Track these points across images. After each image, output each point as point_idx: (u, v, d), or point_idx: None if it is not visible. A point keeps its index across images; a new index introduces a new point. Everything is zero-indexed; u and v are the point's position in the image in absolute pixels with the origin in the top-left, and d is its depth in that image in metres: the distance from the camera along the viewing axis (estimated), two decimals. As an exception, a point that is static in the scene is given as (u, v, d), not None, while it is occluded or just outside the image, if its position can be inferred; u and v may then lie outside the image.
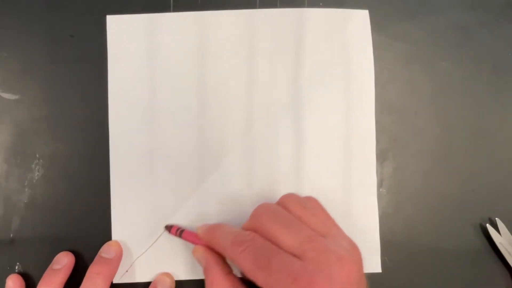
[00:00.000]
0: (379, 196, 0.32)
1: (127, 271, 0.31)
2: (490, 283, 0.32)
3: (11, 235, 0.31)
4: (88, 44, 0.32)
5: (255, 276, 0.23)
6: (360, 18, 0.32)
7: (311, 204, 0.28)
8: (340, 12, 0.32)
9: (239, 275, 0.27)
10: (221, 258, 0.27)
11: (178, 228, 0.30)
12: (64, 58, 0.32)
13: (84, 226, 0.31)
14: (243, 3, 0.32)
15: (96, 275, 0.28)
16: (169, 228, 0.30)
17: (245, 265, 0.24)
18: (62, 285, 0.29)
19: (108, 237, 0.31)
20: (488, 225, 0.32)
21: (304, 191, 0.31)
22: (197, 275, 0.31)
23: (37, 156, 0.31)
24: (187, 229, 0.30)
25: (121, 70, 0.32)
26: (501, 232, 0.32)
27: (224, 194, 0.31)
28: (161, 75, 0.32)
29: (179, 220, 0.31)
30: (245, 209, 0.31)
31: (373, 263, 0.31)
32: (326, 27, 0.32)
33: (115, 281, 0.31)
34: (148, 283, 0.30)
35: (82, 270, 0.29)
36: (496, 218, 0.32)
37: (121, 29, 0.32)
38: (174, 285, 0.31)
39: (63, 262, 0.30)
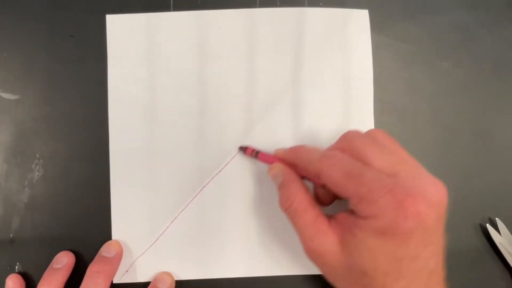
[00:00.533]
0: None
1: (127, 271, 0.31)
2: (490, 283, 0.32)
3: (11, 235, 0.31)
4: (88, 44, 0.32)
5: (344, 186, 0.23)
6: (360, 18, 0.32)
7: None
8: (340, 11, 0.32)
9: None
10: (295, 175, 0.27)
11: (254, 150, 0.30)
12: (64, 58, 0.32)
13: (84, 226, 0.31)
14: (243, 2, 0.32)
15: (97, 273, 0.28)
16: (244, 149, 0.31)
17: (334, 176, 0.24)
18: (63, 284, 0.29)
19: (108, 237, 0.31)
20: (488, 225, 0.32)
21: (304, 191, 0.31)
22: (197, 275, 0.31)
23: (37, 156, 0.31)
24: (262, 150, 0.30)
25: (121, 70, 0.32)
26: (501, 232, 0.32)
27: (224, 194, 0.31)
28: (161, 74, 0.32)
29: (179, 220, 0.31)
30: (245, 209, 0.31)
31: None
32: (326, 27, 0.32)
33: (115, 281, 0.31)
34: (148, 283, 0.30)
35: (82, 270, 0.29)
36: (496, 218, 0.32)
37: (121, 28, 0.32)
38: (174, 284, 0.31)
39: (63, 261, 0.30)
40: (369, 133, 0.27)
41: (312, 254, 0.25)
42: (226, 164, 0.31)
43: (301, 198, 0.26)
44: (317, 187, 0.28)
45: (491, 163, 0.33)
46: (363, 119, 0.32)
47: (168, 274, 0.31)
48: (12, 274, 0.30)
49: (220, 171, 0.31)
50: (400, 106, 0.33)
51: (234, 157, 0.31)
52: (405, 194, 0.22)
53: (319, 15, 0.32)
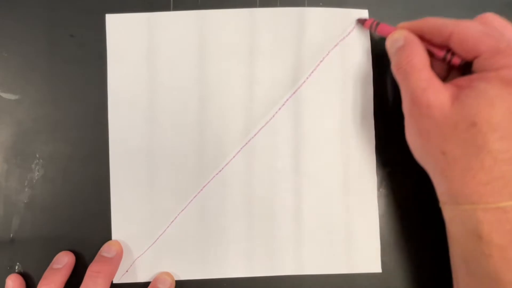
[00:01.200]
0: (379, 196, 0.32)
1: (127, 271, 0.31)
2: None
3: (11, 235, 0.31)
4: (88, 44, 0.32)
5: (480, 41, 0.24)
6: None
7: None
8: (340, 11, 0.32)
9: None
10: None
11: (374, 21, 0.30)
12: (64, 58, 0.32)
13: (84, 226, 0.31)
14: (243, 2, 0.32)
15: (97, 273, 0.28)
16: (362, 21, 0.31)
17: (471, 31, 0.24)
18: (63, 284, 0.29)
19: (108, 237, 0.31)
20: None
21: (304, 191, 0.31)
22: (197, 275, 0.31)
23: (37, 156, 0.31)
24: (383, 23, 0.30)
25: (121, 70, 0.32)
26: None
27: (224, 194, 0.31)
28: (161, 74, 0.32)
29: (179, 220, 0.31)
30: (245, 209, 0.31)
31: (373, 263, 0.31)
32: (325, 27, 0.32)
33: (115, 281, 0.31)
34: (148, 283, 0.30)
35: (82, 270, 0.29)
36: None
37: (121, 28, 0.32)
38: (174, 284, 0.31)
39: (64, 261, 0.30)
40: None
41: (419, 106, 0.25)
42: (226, 164, 0.31)
43: (421, 58, 0.26)
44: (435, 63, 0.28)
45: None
46: (363, 119, 0.32)
47: (168, 274, 0.31)
48: (12, 274, 0.30)
49: (220, 171, 0.31)
50: (399, 105, 0.33)
51: (234, 157, 0.31)
52: None
53: (319, 15, 0.32)
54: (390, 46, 0.28)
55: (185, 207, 0.31)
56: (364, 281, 0.31)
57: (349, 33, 0.32)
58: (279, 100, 0.32)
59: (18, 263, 0.31)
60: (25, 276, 0.31)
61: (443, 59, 0.27)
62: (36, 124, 0.32)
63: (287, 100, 0.32)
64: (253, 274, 0.31)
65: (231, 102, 0.32)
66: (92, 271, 0.29)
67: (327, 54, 0.32)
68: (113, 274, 0.30)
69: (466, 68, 0.27)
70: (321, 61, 0.32)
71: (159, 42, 0.32)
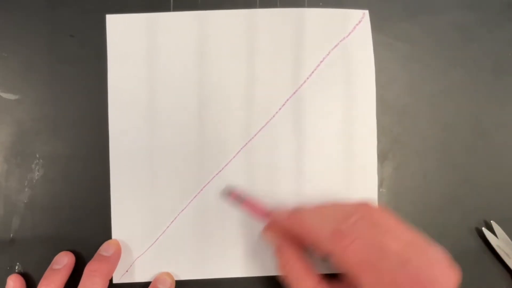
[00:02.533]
0: (379, 196, 0.32)
1: (127, 271, 0.31)
2: (490, 284, 0.32)
3: (11, 235, 0.31)
4: (88, 44, 0.32)
5: (358, 275, 0.23)
6: (360, 18, 0.32)
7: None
8: (340, 12, 0.32)
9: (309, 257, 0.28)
10: (293, 240, 0.27)
11: (239, 195, 0.30)
12: (64, 58, 0.32)
13: (84, 226, 0.31)
14: (243, 3, 0.32)
15: (94, 272, 0.28)
16: (228, 192, 0.30)
17: (348, 262, 0.23)
18: (63, 285, 0.29)
19: (108, 237, 0.31)
20: (484, 229, 0.32)
21: (305, 191, 0.31)
22: (197, 275, 0.31)
23: (37, 156, 0.31)
24: (248, 197, 0.29)
25: (121, 70, 0.32)
26: (497, 234, 0.32)
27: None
28: (161, 74, 0.32)
29: (179, 220, 0.31)
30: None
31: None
32: (326, 27, 0.32)
33: (115, 281, 0.31)
34: (148, 283, 0.30)
35: (82, 270, 0.29)
36: (491, 221, 0.32)
37: (121, 28, 0.32)
38: (174, 284, 0.31)
39: (63, 262, 0.30)
40: (372, 214, 0.26)
41: None
42: (226, 164, 0.31)
43: (299, 266, 0.26)
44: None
45: (491, 163, 0.33)
46: (366, 120, 0.32)
47: (168, 274, 0.31)
48: (13, 275, 0.30)
49: (220, 171, 0.31)
50: (400, 106, 0.33)
51: (234, 157, 0.31)
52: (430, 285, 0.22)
53: (319, 15, 0.32)
54: (267, 241, 0.29)
55: (185, 207, 0.31)
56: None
57: (350, 33, 0.32)
58: (280, 100, 0.32)
59: (18, 263, 0.31)
60: (25, 276, 0.31)
61: (308, 249, 0.28)
62: (36, 124, 0.32)
63: (288, 100, 0.32)
64: (253, 274, 0.31)
65: (231, 102, 0.32)
66: (89, 270, 0.29)
67: (328, 54, 0.32)
68: (111, 273, 0.30)
69: None
70: (321, 61, 0.32)
71: (159, 42, 0.32)
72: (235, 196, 0.30)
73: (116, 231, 0.31)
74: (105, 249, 0.30)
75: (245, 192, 0.30)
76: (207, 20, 0.32)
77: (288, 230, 0.28)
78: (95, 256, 0.30)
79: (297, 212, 0.28)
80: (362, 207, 0.26)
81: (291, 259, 0.26)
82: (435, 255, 0.24)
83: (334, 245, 0.24)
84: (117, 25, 0.32)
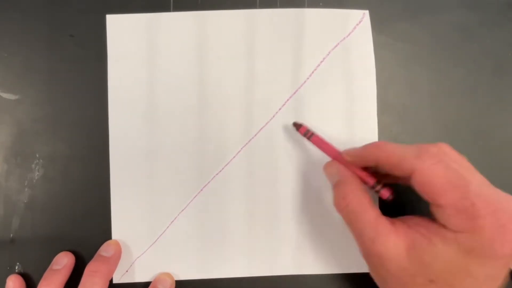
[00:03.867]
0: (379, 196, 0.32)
1: (127, 271, 0.31)
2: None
3: (11, 235, 0.31)
4: (88, 44, 0.32)
5: (443, 194, 0.22)
6: (361, 18, 0.32)
7: None
8: (341, 12, 0.32)
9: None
10: (356, 175, 0.26)
11: (308, 131, 0.29)
12: (64, 58, 0.32)
13: (84, 226, 0.31)
14: (243, 3, 0.32)
15: (94, 273, 0.28)
16: (298, 126, 0.30)
17: (435, 179, 0.22)
18: (62, 285, 0.29)
19: (108, 237, 0.31)
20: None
21: (305, 191, 0.31)
22: (197, 275, 0.31)
23: (37, 156, 0.31)
24: (317, 134, 0.29)
25: (121, 70, 0.32)
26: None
27: (224, 194, 0.31)
28: (161, 75, 0.32)
29: (179, 220, 0.31)
30: (245, 209, 0.31)
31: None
32: (326, 27, 0.32)
33: (115, 281, 0.31)
34: (148, 283, 0.30)
35: (82, 270, 0.29)
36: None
37: (121, 28, 0.32)
38: (174, 285, 0.31)
39: (63, 262, 0.30)
40: (451, 151, 0.25)
41: (373, 259, 0.24)
42: (226, 164, 0.31)
43: (359, 198, 0.25)
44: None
45: (491, 163, 0.33)
46: (366, 120, 0.32)
47: (168, 274, 0.31)
48: (12, 275, 0.30)
49: (220, 171, 0.31)
50: (400, 106, 0.33)
51: (234, 157, 0.31)
52: (508, 218, 0.21)
53: (318, 15, 0.32)
54: (327, 177, 0.28)
55: (185, 207, 0.31)
56: (364, 281, 0.31)
57: (350, 33, 0.32)
58: (280, 100, 0.32)
59: (18, 263, 0.31)
60: (25, 276, 0.31)
61: (372, 188, 0.27)
62: (36, 124, 0.32)
63: (288, 100, 0.32)
64: (253, 274, 0.31)
65: (231, 102, 0.32)
66: (89, 270, 0.29)
67: (328, 54, 0.32)
68: (111, 273, 0.30)
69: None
70: (321, 61, 0.32)
71: (159, 42, 0.32)
72: (304, 130, 0.29)
73: (116, 231, 0.31)
74: (105, 249, 0.30)
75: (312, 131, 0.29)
76: (207, 20, 0.32)
77: (363, 158, 0.26)
78: (95, 256, 0.30)
79: (375, 142, 0.27)
80: (440, 145, 0.25)
81: (355, 190, 0.25)
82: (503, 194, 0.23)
83: (421, 162, 0.23)
84: (117, 25, 0.32)
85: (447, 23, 0.34)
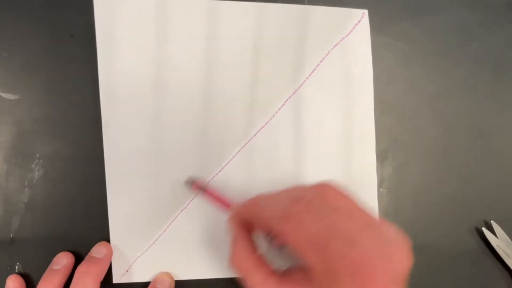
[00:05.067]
0: (379, 196, 0.32)
1: (127, 271, 0.31)
2: (490, 283, 0.32)
3: (11, 235, 0.31)
4: (88, 44, 0.32)
5: (306, 255, 0.23)
6: (360, 18, 0.32)
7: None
8: (341, 11, 0.32)
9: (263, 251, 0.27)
10: (249, 231, 0.27)
11: (202, 185, 0.30)
12: (64, 58, 0.32)
13: (84, 226, 0.31)
14: None
15: (85, 274, 0.28)
16: (190, 183, 0.30)
17: (297, 242, 0.23)
18: (62, 285, 0.29)
19: (108, 237, 0.31)
20: (484, 229, 0.32)
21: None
22: (197, 275, 0.31)
23: (37, 156, 0.31)
24: (211, 187, 0.29)
25: (122, 70, 0.31)
26: (497, 234, 0.32)
27: (224, 194, 0.31)
28: (161, 75, 0.31)
29: (179, 220, 0.31)
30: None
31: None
32: (327, 26, 0.32)
33: (115, 281, 0.31)
34: (148, 283, 0.30)
35: (82, 270, 0.29)
36: (491, 221, 0.32)
37: (117, 11, 0.31)
38: (173, 285, 0.31)
39: (63, 262, 0.30)
40: (327, 194, 0.25)
41: None
42: (226, 164, 0.31)
43: (249, 258, 0.25)
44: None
45: (491, 163, 0.33)
46: (364, 119, 0.32)
47: (168, 274, 0.31)
48: (12, 275, 0.30)
49: (220, 170, 0.31)
50: (400, 106, 0.33)
51: (234, 156, 0.31)
52: (368, 276, 0.21)
53: (323, 13, 0.32)
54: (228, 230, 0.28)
55: (185, 207, 0.31)
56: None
57: (349, 33, 0.32)
58: (280, 100, 0.32)
59: (18, 263, 0.31)
60: (25, 276, 0.31)
61: (264, 239, 0.28)
62: (36, 124, 0.32)
63: (287, 99, 0.32)
64: (253, 274, 0.31)
65: (232, 101, 0.32)
66: (80, 271, 0.28)
67: (328, 54, 0.32)
68: (101, 274, 0.29)
69: None
70: (321, 61, 0.32)
71: (168, 28, 0.31)
72: (197, 186, 0.30)
73: (116, 231, 0.31)
74: (96, 251, 0.30)
75: (207, 183, 0.30)
76: (216, 10, 0.31)
77: (245, 218, 0.27)
78: (86, 258, 0.30)
79: (254, 198, 0.27)
80: (319, 187, 0.25)
81: (243, 251, 0.26)
82: (389, 235, 0.23)
83: (283, 226, 0.23)
84: (110, 7, 0.31)
85: (447, 23, 0.34)
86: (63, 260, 0.30)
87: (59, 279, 0.29)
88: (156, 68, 0.31)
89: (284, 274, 0.25)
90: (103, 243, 0.30)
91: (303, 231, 0.23)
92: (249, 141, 0.31)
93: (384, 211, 0.32)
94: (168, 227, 0.31)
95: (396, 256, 0.22)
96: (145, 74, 0.31)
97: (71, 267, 0.30)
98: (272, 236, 0.28)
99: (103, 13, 0.30)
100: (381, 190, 0.32)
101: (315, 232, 0.23)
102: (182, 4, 0.31)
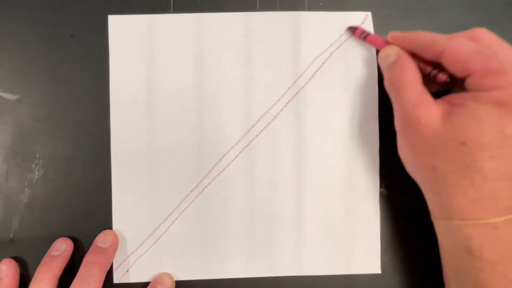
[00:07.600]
0: (380, 197, 0.32)
1: (127, 271, 0.31)
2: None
3: (11, 235, 0.31)
4: (88, 44, 0.32)
5: (472, 60, 0.24)
6: (363, 20, 0.32)
7: None
8: (342, 14, 0.32)
9: None
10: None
11: (363, 32, 0.31)
12: (64, 58, 0.32)
13: (84, 226, 0.31)
14: (243, 4, 0.32)
15: (92, 264, 0.28)
16: (353, 29, 0.31)
17: (463, 50, 0.24)
18: (60, 271, 0.29)
19: (108, 237, 0.31)
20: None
21: (305, 192, 0.31)
22: (197, 275, 0.31)
23: (37, 156, 0.31)
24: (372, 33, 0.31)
25: (123, 71, 0.31)
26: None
27: (225, 194, 0.31)
28: (161, 75, 0.32)
29: (180, 220, 0.31)
30: (246, 209, 0.31)
31: (372, 264, 0.31)
32: (325, 30, 0.32)
33: (115, 281, 0.31)
34: (148, 283, 0.30)
35: (79, 263, 0.29)
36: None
37: (122, 29, 0.32)
38: (174, 285, 0.31)
39: (62, 248, 0.30)
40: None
41: (410, 125, 0.25)
42: (227, 165, 0.31)
43: (413, 74, 0.26)
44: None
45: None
46: (367, 121, 0.32)
47: (168, 275, 0.31)
48: (6, 259, 0.30)
49: (221, 172, 0.31)
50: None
51: (235, 158, 0.31)
52: None
53: (316, 18, 0.32)
54: (382, 60, 0.28)
55: (186, 208, 0.31)
56: (363, 282, 0.31)
57: (351, 36, 0.32)
58: (280, 102, 0.32)
59: (18, 263, 0.31)
60: (25, 276, 0.31)
61: (429, 75, 0.27)
62: (36, 124, 0.32)
63: (289, 102, 0.32)
64: (253, 274, 0.31)
65: (231, 103, 0.32)
66: (88, 261, 0.29)
67: (330, 56, 0.32)
68: (108, 264, 0.30)
69: (457, 84, 0.27)
70: (323, 63, 0.32)
71: (160, 44, 0.32)
72: (359, 33, 0.31)
73: (117, 231, 0.31)
74: (102, 240, 0.30)
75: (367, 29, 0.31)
76: (206, 22, 0.32)
77: (403, 39, 0.28)
78: (92, 247, 0.30)
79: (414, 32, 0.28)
80: (475, 29, 0.27)
81: (407, 68, 0.26)
82: None
83: (451, 40, 0.25)
84: (119, 26, 0.32)
85: (447, 23, 0.33)
86: (62, 246, 0.30)
87: (58, 265, 0.29)
88: (159, 76, 0.32)
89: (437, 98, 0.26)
90: (109, 231, 0.30)
91: (468, 44, 0.25)
92: (250, 142, 0.31)
93: (384, 212, 0.32)
94: (168, 227, 0.31)
95: None
96: (149, 80, 0.31)
97: (70, 253, 0.30)
98: (439, 70, 0.27)
99: (115, 29, 0.32)
100: (381, 190, 0.32)
101: (481, 47, 0.24)
102: (176, 20, 0.32)
